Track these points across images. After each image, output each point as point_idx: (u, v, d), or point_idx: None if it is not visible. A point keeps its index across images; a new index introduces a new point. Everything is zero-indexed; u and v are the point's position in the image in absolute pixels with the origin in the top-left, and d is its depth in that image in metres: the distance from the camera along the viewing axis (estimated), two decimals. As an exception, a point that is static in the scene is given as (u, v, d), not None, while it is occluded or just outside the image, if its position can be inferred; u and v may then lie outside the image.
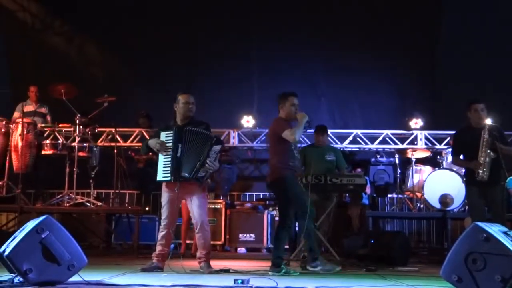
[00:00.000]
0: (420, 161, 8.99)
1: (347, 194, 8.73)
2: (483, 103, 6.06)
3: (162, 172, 5.41)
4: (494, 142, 5.80)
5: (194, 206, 5.46)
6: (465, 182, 6.59)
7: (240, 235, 8.96)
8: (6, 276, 3.95)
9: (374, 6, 10.90)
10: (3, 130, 7.83)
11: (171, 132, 5.44)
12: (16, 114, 8.48)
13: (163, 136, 5.48)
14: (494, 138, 5.81)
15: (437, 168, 8.39)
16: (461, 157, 6.26)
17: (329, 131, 9.83)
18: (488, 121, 6.26)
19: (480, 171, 5.83)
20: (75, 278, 4.00)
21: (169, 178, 5.37)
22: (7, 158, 7.79)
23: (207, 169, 5.38)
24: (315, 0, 11.20)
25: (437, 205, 7.73)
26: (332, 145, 9.00)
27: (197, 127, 5.45)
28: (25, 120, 7.93)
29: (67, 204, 7.77)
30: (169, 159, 5.38)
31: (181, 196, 5.49)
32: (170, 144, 5.41)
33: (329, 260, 6.49)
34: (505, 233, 3.58)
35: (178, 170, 5.33)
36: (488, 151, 5.81)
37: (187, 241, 7.92)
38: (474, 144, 5.91)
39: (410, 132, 10.07)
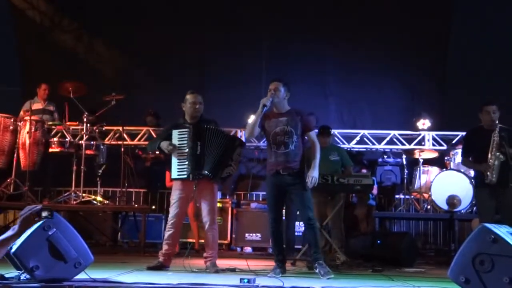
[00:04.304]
0: (427, 162, 8.95)
1: (354, 195, 8.70)
2: (495, 105, 6.02)
3: (177, 170, 5.38)
4: (503, 144, 5.77)
5: (204, 205, 5.45)
6: (475, 184, 6.56)
7: (246, 234, 8.95)
8: (12, 273, 3.96)
9: (386, 5, 10.85)
10: (11, 127, 7.85)
11: (185, 130, 5.41)
12: (22, 113, 8.50)
13: (176, 134, 5.44)
14: (502, 140, 5.78)
15: (444, 169, 8.36)
16: (471, 158, 6.23)
17: (337, 131, 9.83)
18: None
19: (489, 174, 5.80)
20: (81, 276, 4.01)
21: (185, 176, 5.34)
22: (15, 155, 7.82)
23: (230, 171, 5.38)
24: (324, -1, 11.21)
25: (444, 206, 7.69)
26: (337, 144, 8.97)
27: (210, 125, 5.44)
28: (33, 117, 7.97)
29: (74, 202, 7.78)
30: (185, 157, 5.36)
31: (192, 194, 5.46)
32: (184, 142, 5.38)
33: (333, 260, 6.51)
34: (513, 234, 3.56)
35: (199, 168, 5.31)
36: (498, 153, 5.78)
37: (189, 239, 8.01)
38: (484, 146, 5.88)
39: (418, 133, 10.04)
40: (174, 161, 5.42)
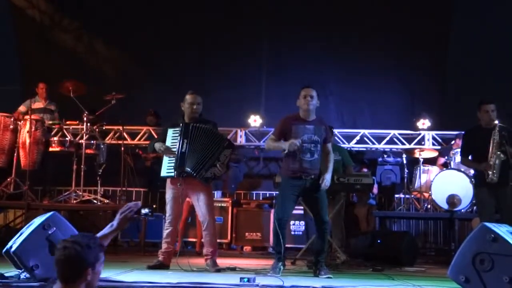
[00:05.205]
0: (427, 161, 8.95)
1: (354, 194, 8.70)
2: (494, 104, 6.02)
3: (167, 168, 5.40)
4: (503, 143, 5.76)
5: (200, 204, 5.45)
6: (475, 183, 6.55)
7: (247, 233, 8.94)
8: (12, 272, 3.96)
9: (385, 5, 10.84)
10: (11, 126, 7.84)
11: (178, 129, 5.43)
12: (21, 108, 8.47)
13: (171, 132, 5.46)
14: (503, 139, 5.77)
15: (444, 169, 8.36)
16: (470, 157, 6.23)
17: (337, 131, 9.83)
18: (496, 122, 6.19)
19: (490, 173, 5.78)
20: (81, 275, 4.00)
21: (172, 174, 5.36)
22: (15, 154, 7.82)
23: (215, 171, 5.35)
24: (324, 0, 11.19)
25: (444, 205, 7.69)
26: (338, 144, 8.97)
27: (204, 125, 5.43)
28: (33, 117, 7.95)
29: (74, 201, 7.79)
30: (174, 156, 5.37)
31: (185, 192, 5.48)
32: (176, 140, 5.39)
33: (334, 259, 6.52)
34: (513, 233, 3.56)
35: (182, 166, 5.31)
36: (498, 152, 5.77)
37: (190, 239, 8.06)
38: (484, 145, 5.86)
39: (418, 132, 10.04)
40: (165, 159, 5.44)
